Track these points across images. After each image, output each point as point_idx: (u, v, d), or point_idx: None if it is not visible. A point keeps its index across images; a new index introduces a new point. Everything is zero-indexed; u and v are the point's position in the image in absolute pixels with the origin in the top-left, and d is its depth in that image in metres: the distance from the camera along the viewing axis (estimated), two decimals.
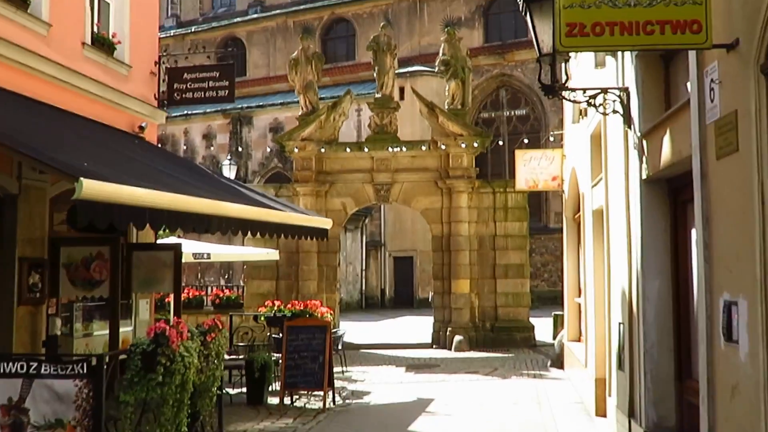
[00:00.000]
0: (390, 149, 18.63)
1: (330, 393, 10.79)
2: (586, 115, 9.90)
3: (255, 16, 43.86)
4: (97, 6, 10.14)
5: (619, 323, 7.65)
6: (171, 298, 11.94)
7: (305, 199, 18.36)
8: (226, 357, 9.67)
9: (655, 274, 6.62)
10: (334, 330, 13.77)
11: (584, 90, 7.16)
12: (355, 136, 32.28)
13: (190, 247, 14.42)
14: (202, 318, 10.90)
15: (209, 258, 15.48)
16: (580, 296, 11.76)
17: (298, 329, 10.90)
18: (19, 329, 8.09)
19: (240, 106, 37.85)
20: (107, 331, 8.71)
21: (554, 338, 15.51)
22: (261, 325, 14.37)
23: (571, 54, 8.07)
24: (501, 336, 18.06)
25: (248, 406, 10.63)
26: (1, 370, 5.89)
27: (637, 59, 6.73)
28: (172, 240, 14.52)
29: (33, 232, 8.29)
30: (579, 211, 11.71)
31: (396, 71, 20.10)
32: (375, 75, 19.61)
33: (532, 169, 14.81)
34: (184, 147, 39.99)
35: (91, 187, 5.19)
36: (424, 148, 18.83)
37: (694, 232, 5.46)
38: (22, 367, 5.90)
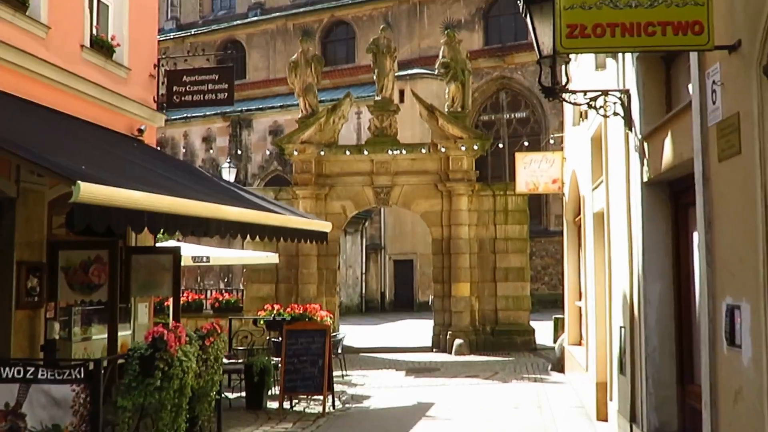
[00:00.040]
0: (390, 152, 18.60)
1: (330, 397, 10.74)
2: (586, 117, 9.87)
3: (255, 18, 43.90)
4: (96, 8, 10.12)
5: (621, 327, 7.61)
6: (170, 302, 11.90)
7: (305, 202, 18.32)
8: (226, 361, 9.64)
9: (656, 278, 6.58)
10: (334, 333, 13.73)
11: (585, 92, 7.13)
12: (354, 139, 32.26)
13: (190, 251, 14.37)
14: (202, 322, 10.87)
15: (209, 261, 15.44)
16: (580, 299, 11.72)
17: (297, 333, 10.86)
18: (17, 333, 8.06)
19: (240, 108, 37.89)
20: (106, 335, 8.69)
21: (555, 342, 15.46)
22: (260, 329, 14.32)
23: (572, 56, 8.06)
24: (501, 339, 18.02)
25: (247, 410, 10.57)
26: None
27: (637, 61, 6.70)
28: (171, 243, 14.48)
29: (31, 235, 8.26)
30: (579, 214, 11.68)
31: (396, 74, 20.08)
32: (375, 78, 19.58)
33: (533, 171, 14.79)
34: (184, 150, 40.00)
35: (89, 191, 5.17)
36: (424, 150, 18.81)
37: (695, 235, 5.41)
38: (18, 372, 5.86)
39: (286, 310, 13.33)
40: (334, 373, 11.77)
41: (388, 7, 40.23)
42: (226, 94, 11.51)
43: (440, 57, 19.41)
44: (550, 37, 5.97)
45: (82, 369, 5.88)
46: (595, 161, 9.44)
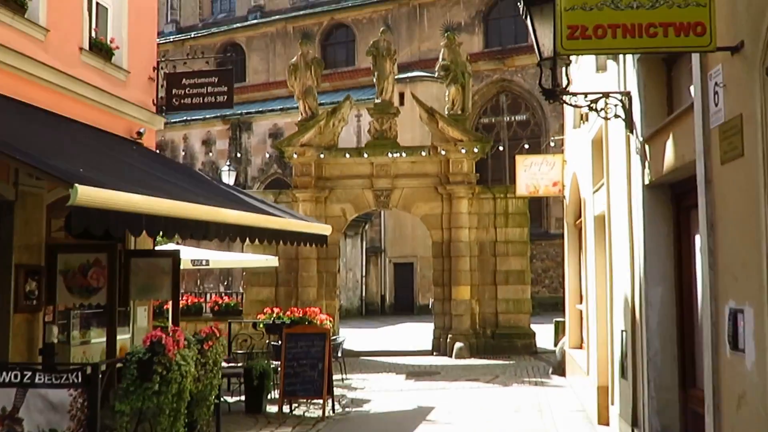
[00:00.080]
0: (390, 155, 18.57)
1: (329, 401, 10.70)
2: (587, 119, 9.84)
3: (255, 21, 43.93)
4: (95, 11, 10.09)
5: (622, 330, 7.57)
6: (169, 305, 11.86)
7: (305, 205, 18.29)
8: (225, 365, 9.60)
9: (658, 281, 6.54)
10: (334, 337, 13.69)
11: (585, 94, 7.10)
12: (354, 142, 32.24)
13: (189, 254, 14.35)
14: (201, 325, 10.85)
15: (208, 264, 15.41)
16: (581, 303, 11.68)
17: (297, 336, 10.82)
18: (16, 337, 8.02)
19: (239, 111, 37.91)
20: (105, 339, 8.64)
21: (556, 345, 15.41)
22: (260, 333, 14.29)
23: (572, 58, 8.03)
24: (502, 343, 17.96)
25: (247, 414, 10.53)
26: None
27: (638, 63, 6.67)
28: (170, 246, 14.44)
29: (30, 238, 8.22)
30: (580, 216, 11.64)
31: (396, 76, 20.06)
32: (375, 80, 19.56)
33: (533, 174, 14.76)
34: (183, 153, 39.99)
35: (87, 194, 5.13)
36: (424, 153, 18.79)
37: (698, 238, 5.38)
38: (16, 377, 5.81)
39: (286, 313, 13.31)
40: (334, 377, 11.72)
41: (388, 10, 40.25)
42: (226, 97, 11.49)
43: (440, 60, 19.40)
44: (551, 39, 5.94)
45: (80, 373, 5.83)
46: (595, 164, 9.40)
